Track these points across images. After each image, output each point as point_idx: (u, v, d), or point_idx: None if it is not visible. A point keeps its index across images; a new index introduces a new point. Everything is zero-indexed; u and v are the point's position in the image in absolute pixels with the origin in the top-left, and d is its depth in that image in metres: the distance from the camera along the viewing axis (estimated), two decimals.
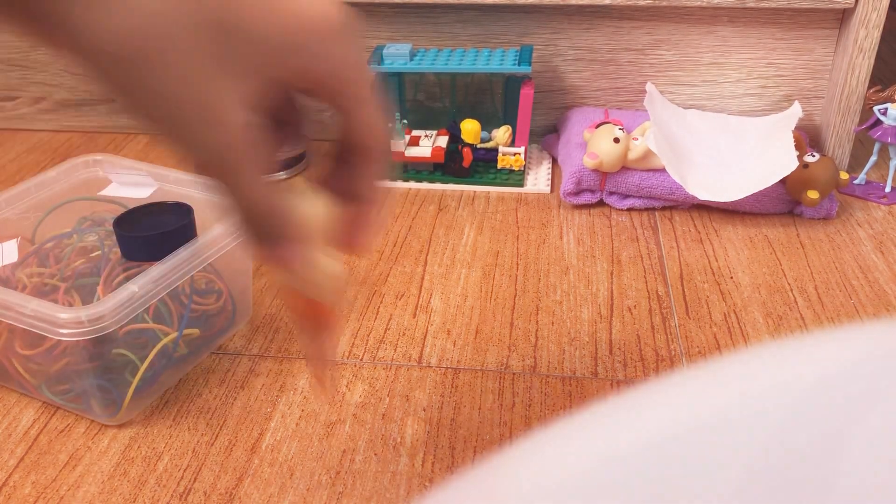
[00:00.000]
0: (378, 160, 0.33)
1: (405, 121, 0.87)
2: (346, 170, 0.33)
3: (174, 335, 0.57)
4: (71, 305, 0.57)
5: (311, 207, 0.33)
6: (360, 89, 0.31)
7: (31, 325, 0.50)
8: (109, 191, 0.65)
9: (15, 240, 0.60)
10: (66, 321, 0.49)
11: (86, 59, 0.25)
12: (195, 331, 0.60)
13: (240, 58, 0.27)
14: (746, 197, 0.76)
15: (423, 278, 0.71)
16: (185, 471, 0.52)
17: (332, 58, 0.29)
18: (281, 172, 0.92)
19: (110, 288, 0.56)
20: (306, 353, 0.49)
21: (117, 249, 0.58)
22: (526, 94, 0.84)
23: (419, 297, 0.68)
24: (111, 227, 0.58)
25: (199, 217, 0.58)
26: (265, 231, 0.31)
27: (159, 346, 0.56)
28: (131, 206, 0.60)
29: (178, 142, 0.27)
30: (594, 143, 0.79)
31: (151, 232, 0.56)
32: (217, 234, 0.57)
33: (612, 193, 0.81)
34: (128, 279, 0.54)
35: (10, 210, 0.63)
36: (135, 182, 0.65)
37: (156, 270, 0.53)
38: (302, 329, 0.38)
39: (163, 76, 0.26)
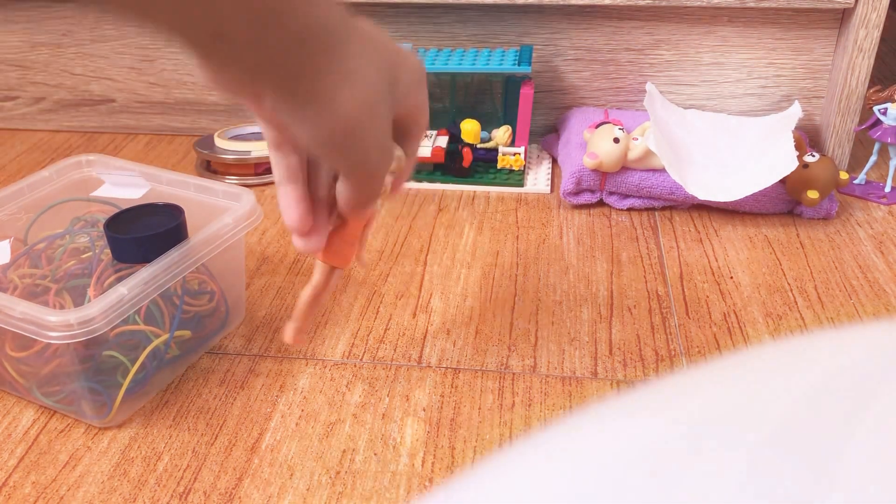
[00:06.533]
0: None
1: None
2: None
3: (165, 337, 0.57)
4: (62, 307, 0.56)
5: None
6: (425, 123, 0.45)
7: (20, 327, 0.50)
8: (102, 191, 0.65)
9: (7, 240, 0.60)
10: (55, 324, 0.49)
11: (321, 126, 0.35)
12: (187, 332, 0.60)
13: (394, 105, 0.39)
14: (746, 197, 0.76)
15: (423, 278, 0.71)
16: (185, 471, 0.52)
17: (421, 99, 0.42)
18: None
19: (101, 289, 0.56)
20: (310, 297, 0.52)
21: (109, 250, 0.57)
22: (526, 94, 0.84)
23: (419, 297, 0.68)
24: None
25: (191, 218, 0.58)
26: (372, 200, 0.43)
27: (150, 347, 0.56)
28: (124, 206, 0.60)
29: (359, 168, 0.39)
30: (594, 143, 0.79)
31: (142, 234, 0.56)
32: (209, 235, 0.57)
33: (612, 193, 0.81)
34: (119, 280, 0.54)
35: (3, 211, 0.62)
36: (127, 183, 0.65)
37: (146, 272, 0.53)
38: (329, 265, 0.50)
39: (372, 135, 0.37)
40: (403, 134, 0.43)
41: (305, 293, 0.51)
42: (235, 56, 0.30)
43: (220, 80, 0.33)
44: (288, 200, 0.42)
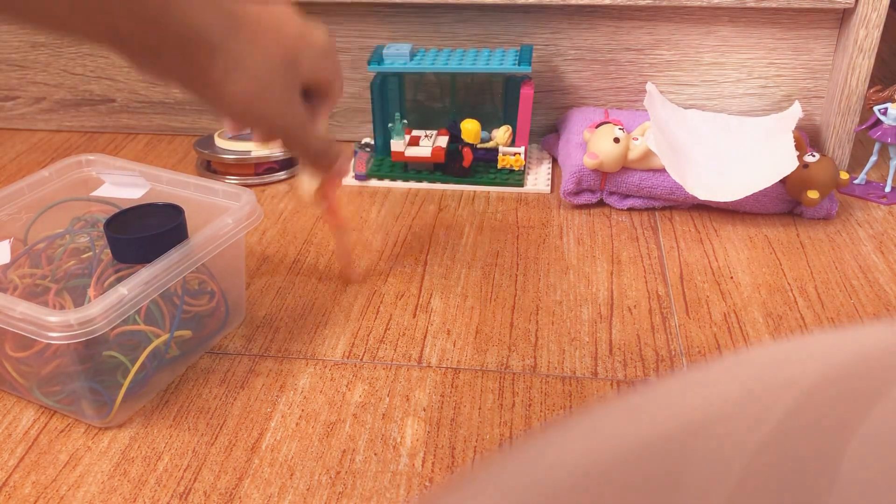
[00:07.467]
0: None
1: (405, 121, 0.87)
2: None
3: (165, 337, 0.57)
4: (62, 307, 0.56)
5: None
6: (339, 85, 0.52)
7: (20, 328, 0.50)
8: (102, 191, 0.65)
9: (7, 241, 0.60)
10: (55, 324, 0.49)
11: (222, 108, 0.43)
12: (187, 332, 0.60)
13: (298, 77, 0.46)
14: (746, 197, 0.76)
15: (423, 278, 0.71)
16: (185, 471, 0.52)
17: (330, 66, 0.49)
18: (281, 172, 0.95)
19: (101, 289, 0.56)
20: (338, 251, 0.68)
21: (109, 250, 0.57)
22: (526, 94, 0.84)
23: (419, 297, 0.68)
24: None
25: (191, 218, 0.58)
26: (327, 155, 0.53)
27: (150, 347, 0.56)
28: (124, 206, 0.60)
29: (273, 131, 0.48)
30: (594, 143, 0.79)
31: (142, 234, 0.56)
32: (209, 235, 0.57)
33: (612, 193, 0.81)
34: (119, 280, 0.54)
35: (3, 211, 0.62)
36: (127, 182, 0.65)
37: (146, 272, 0.53)
38: (335, 232, 0.68)
39: (269, 108, 0.45)
40: (320, 96, 0.50)
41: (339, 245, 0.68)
42: (136, 53, 0.38)
43: (141, 70, 0.40)
44: None
